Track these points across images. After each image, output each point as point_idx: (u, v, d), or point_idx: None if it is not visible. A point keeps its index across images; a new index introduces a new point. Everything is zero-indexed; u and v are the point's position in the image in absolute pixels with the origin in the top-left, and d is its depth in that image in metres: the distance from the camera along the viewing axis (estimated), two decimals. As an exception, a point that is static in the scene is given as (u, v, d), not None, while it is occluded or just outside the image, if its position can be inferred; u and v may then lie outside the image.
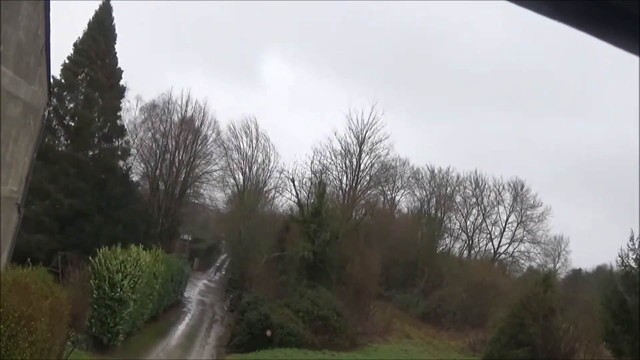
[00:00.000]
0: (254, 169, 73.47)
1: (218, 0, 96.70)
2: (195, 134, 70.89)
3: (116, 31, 54.25)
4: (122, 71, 55.18)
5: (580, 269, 75.80)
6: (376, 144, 68.27)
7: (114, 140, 55.38)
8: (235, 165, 74.19)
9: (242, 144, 73.47)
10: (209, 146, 73.28)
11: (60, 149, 51.28)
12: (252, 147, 73.31)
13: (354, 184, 69.50)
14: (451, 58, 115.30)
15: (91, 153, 53.66)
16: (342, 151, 69.16)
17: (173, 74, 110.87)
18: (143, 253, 33.09)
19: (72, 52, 52.14)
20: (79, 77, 52.27)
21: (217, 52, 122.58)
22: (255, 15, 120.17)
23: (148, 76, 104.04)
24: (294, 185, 60.56)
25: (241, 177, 74.30)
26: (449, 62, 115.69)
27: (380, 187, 75.38)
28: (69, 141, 52.09)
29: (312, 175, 63.10)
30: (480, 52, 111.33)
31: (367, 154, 69.04)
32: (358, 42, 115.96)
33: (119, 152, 56.51)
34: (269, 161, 72.32)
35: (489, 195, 79.65)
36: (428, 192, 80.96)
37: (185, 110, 70.14)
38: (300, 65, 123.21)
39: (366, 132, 67.66)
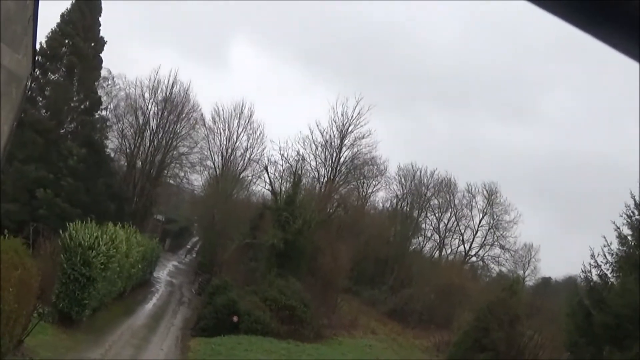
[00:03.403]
0: (236, 154, 73.72)
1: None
2: (179, 115, 70.47)
3: (102, 4, 54.09)
4: (104, 42, 54.91)
5: (549, 278, 76.35)
6: (359, 139, 68.62)
7: (93, 113, 54.99)
8: (216, 149, 74.25)
9: (227, 127, 73.70)
10: (189, 128, 72.85)
11: (38, 119, 50.82)
12: (238, 132, 73.52)
13: (331, 177, 69.62)
14: (411, 55, 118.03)
15: (68, 126, 53.32)
16: (323, 142, 69.35)
17: (146, 55, 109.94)
18: (119, 231, 32.93)
19: (58, 22, 51.72)
20: (63, 48, 51.85)
21: (189, 38, 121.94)
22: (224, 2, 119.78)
23: (121, 54, 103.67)
24: (267, 173, 60.69)
25: (220, 160, 74.28)
26: (410, 58, 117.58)
27: (357, 182, 75.58)
28: (47, 112, 51.65)
29: (288, 164, 63.21)
30: (437, 52, 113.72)
31: (349, 148, 69.34)
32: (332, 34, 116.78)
33: (97, 126, 56.13)
34: (253, 147, 72.67)
35: (462, 198, 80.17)
36: (404, 191, 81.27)
37: (171, 90, 69.72)
38: (276, 57, 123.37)
39: (349, 126, 67.93)
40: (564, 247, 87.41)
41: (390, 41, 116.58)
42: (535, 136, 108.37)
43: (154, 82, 68.89)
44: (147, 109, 68.93)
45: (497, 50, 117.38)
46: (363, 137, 68.49)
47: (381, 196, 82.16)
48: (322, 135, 69.19)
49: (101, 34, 54.76)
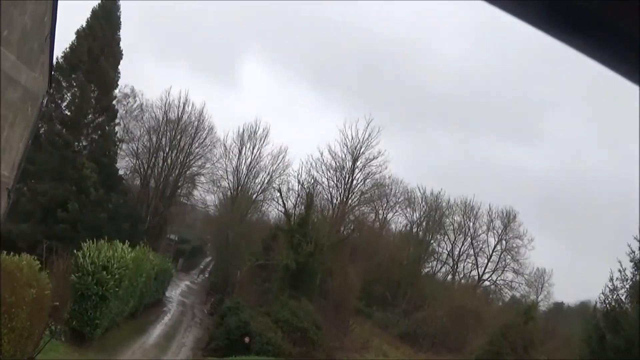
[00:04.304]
0: (250, 176, 73.66)
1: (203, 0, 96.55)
2: (193, 136, 70.70)
3: (121, 19, 54.44)
4: (121, 57, 55.15)
5: (562, 303, 75.83)
6: (370, 160, 68.35)
7: (106, 128, 55.21)
8: (231, 169, 74.32)
9: (242, 148, 73.86)
10: (204, 148, 73.05)
11: (53, 136, 51.08)
12: (254, 153, 73.59)
13: (344, 199, 69.42)
14: (419, 77, 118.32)
15: (83, 141, 53.58)
16: (336, 165, 69.17)
17: (158, 72, 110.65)
18: (129, 250, 32.94)
19: (75, 37, 51.94)
20: (80, 63, 52.05)
21: (201, 57, 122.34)
22: (235, 20, 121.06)
23: (135, 71, 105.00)
24: (280, 195, 60.74)
25: (235, 181, 74.22)
26: (418, 80, 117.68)
27: (371, 205, 75.40)
28: (64, 129, 51.88)
29: (302, 186, 63.25)
30: (444, 73, 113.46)
31: (360, 169, 69.10)
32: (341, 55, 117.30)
33: (113, 141, 56.36)
34: (273, 171, 72.66)
35: (475, 222, 79.73)
36: (420, 214, 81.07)
37: (182, 110, 70.01)
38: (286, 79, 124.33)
39: (361, 148, 67.71)
40: (574, 270, 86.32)
41: (399, 63, 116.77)
42: (544, 158, 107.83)
43: (165, 102, 69.33)
44: (160, 129, 69.25)
45: (504, 71, 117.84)
46: (375, 158, 68.25)
47: (399, 219, 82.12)
48: (334, 157, 69.04)
49: (120, 50, 55.07)
